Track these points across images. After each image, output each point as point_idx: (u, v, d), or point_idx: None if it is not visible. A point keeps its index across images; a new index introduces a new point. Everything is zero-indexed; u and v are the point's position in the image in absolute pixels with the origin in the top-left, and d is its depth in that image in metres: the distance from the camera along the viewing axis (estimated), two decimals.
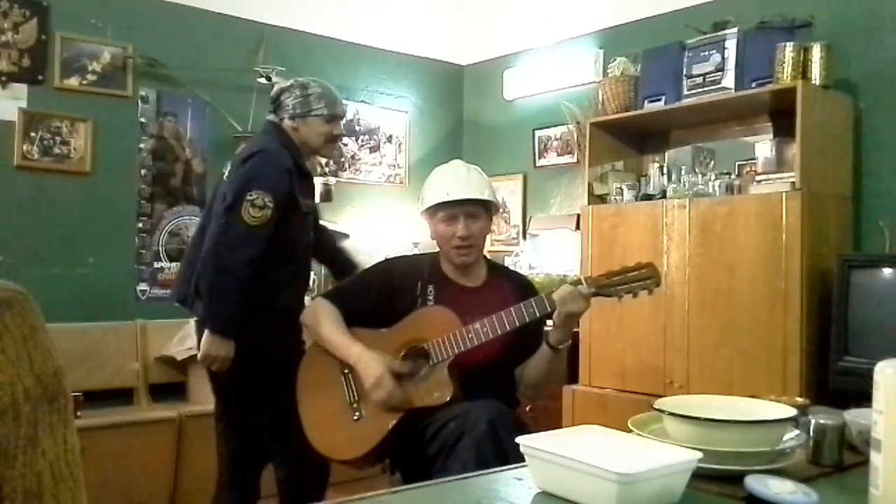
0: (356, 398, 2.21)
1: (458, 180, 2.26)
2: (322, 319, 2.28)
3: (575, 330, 2.43)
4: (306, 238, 2.65)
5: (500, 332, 2.10)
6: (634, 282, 2.10)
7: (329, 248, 2.92)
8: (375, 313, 2.27)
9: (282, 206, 2.43)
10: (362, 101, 4.92)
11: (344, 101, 2.71)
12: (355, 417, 2.19)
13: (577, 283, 2.11)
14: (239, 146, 4.30)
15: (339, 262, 2.92)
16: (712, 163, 3.66)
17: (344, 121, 2.65)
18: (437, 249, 2.35)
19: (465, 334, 2.12)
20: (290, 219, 2.50)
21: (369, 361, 2.15)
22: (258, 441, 2.61)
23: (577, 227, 4.08)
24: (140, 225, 4.10)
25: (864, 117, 3.38)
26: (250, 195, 2.38)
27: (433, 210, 2.27)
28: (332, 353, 2.26)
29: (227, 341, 2.41)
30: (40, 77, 3.80)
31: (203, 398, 3.69)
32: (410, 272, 2.33)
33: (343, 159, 4.84)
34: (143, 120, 4.11)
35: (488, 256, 2.49)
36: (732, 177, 3.49)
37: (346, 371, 2.24)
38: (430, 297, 2.26)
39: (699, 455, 1.09)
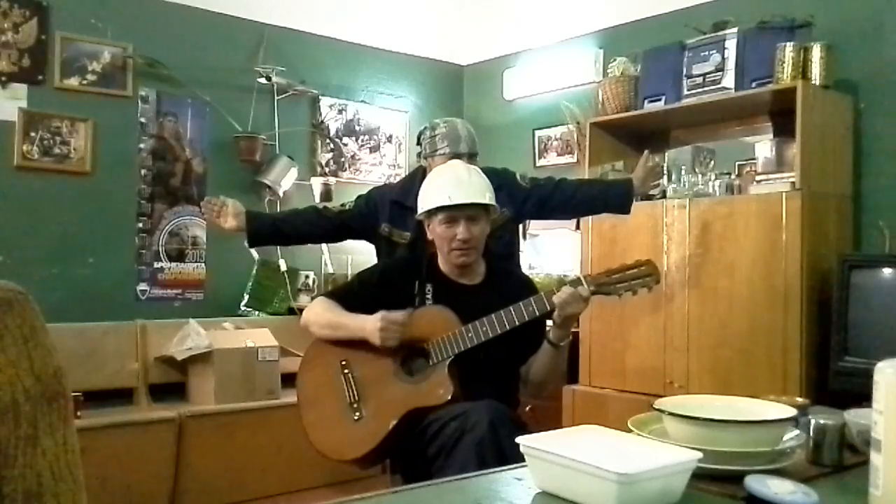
0: (356, 398, 2.21)
1: (459, 183, 2.23)
2: (323, 312, 2.30)
3: (575, 329, 2.43)
4: None
5: (499, 331, 2.10)
6: (634, 279, 2.11)
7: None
8: (374, 313, 2.26)
9: (362, 226, 2.81)
10: (362, 101, 4.92)
11: (475, 139, 2.67)
12: (356, 418, 2.19)
13: (576, 282, 2.11)
14: (239, 146, 4.34)
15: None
16: (712, 163, 3.66)
17: (459, 151, 2.61)
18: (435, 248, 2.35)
19: (464, 333, 2.12)
20: (375, 244, 2.83)
21: (369, 321, 2.18)
22: None
23: (578, 227, 4.07)
24: (140, 225, 4.10)
25: (864, 117, 3.38)
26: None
27: (433, 212, 2.25)
28: (332, 350, 2.27)
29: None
30: (40, 77, 3.80)
31: (203, 398, 3.70)
32: (408, 271, 2.33)
33: (343, 159, 4.84)
34: (143, 120, 4.11)
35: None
36: (732, 177, 3.49)
37: (346, 371, 2.24)
38: (429, 297, 2.26)
39: (699, 455, 1.08)
